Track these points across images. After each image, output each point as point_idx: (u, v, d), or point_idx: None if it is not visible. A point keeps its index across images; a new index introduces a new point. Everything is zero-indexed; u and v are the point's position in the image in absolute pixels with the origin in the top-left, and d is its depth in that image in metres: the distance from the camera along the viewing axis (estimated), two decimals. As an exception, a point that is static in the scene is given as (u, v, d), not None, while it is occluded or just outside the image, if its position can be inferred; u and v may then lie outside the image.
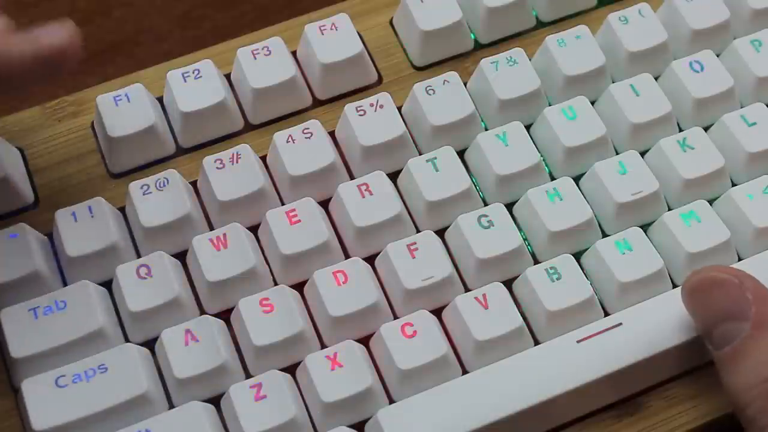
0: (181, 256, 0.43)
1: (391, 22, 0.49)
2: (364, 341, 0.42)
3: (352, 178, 0.45)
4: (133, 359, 0.40)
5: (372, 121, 0.45)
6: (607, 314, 0.42)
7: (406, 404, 0.40)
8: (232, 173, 0.44)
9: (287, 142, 0.44)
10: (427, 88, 0.45)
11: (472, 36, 0.48)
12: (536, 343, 0.42)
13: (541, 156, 0.45)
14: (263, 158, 0.45)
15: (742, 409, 0.38)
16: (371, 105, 0.45)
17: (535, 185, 0.44)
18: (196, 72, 0.45)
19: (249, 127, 0.46)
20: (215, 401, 0.41)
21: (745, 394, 0.38)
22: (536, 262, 0.43)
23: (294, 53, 0.47)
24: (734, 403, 0.38)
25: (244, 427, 0.39)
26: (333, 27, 0.47)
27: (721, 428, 0.42)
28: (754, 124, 0.45)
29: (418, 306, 0.42)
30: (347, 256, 0.43)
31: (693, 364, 0.42)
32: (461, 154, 0.45)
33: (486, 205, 0.44)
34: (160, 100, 0.46)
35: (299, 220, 0.43)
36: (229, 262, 0.42)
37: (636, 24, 0.47)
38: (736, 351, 0.38)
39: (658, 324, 0.41)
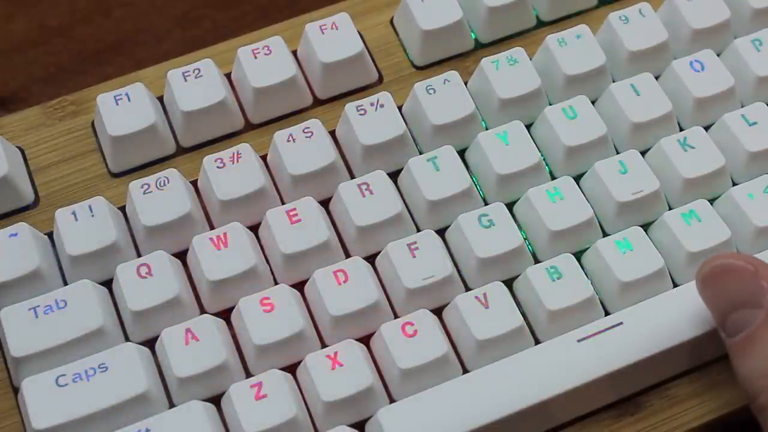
0: (182, 255, 0.43)
1: (391, 22, 0.49)
2: (365, 341, 0.42)
3: (352, 177, 0.45)
4: (133, 358, 0.40)
5: (372, 121, 0.45)
6: (607, 314, 0.42)
7: (406, 404, 0.40)
8: (232, 172, 0.44)
9: (288, 141, 0.44)
10: (428, 88, 0.45)
11: (473, 35, 0.48)
12: (536, 342, 0.42)
13: (542, 155, 0.45)
14: (264, 157, 0.45)
15: (753, 398, 0.38)
16: (372, 104, 0.45)
17: (535, 185, 0.44)
18: (197, 71, 0.45)
19: (249, 127, 0.46)
20: (215, 400, 0.41)
21: (756, 382, 0.38)
22: (537, 261, 0.43)
23: (294, 53, 0.47)
24: (745, 390, 0.38)
25: (245, 427, 0.39)
26: (333, 26, 0.46)
27: (721, 428, 0.42)
28: (755, 123, 0.45)
29: (418, 305, 0.42)
30: (348, 256, 0.43)
31: (693, 364, 0.42)
32: (462, 153, 0.45)
33: (486, 204, 0.44)
34: (161, 99, 0.46)
35: (300, 220, 0.43)
36: (230, 261, 0.42)
37: (636, 23, 0.47)
38: (749, 338, 0.38)
39: (658, 323, 0.41)
